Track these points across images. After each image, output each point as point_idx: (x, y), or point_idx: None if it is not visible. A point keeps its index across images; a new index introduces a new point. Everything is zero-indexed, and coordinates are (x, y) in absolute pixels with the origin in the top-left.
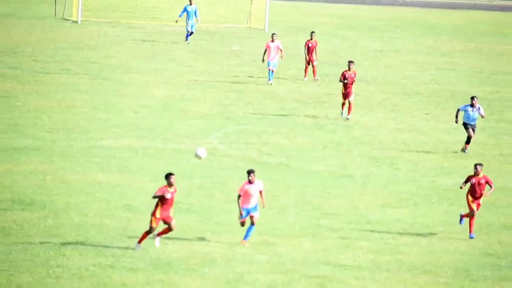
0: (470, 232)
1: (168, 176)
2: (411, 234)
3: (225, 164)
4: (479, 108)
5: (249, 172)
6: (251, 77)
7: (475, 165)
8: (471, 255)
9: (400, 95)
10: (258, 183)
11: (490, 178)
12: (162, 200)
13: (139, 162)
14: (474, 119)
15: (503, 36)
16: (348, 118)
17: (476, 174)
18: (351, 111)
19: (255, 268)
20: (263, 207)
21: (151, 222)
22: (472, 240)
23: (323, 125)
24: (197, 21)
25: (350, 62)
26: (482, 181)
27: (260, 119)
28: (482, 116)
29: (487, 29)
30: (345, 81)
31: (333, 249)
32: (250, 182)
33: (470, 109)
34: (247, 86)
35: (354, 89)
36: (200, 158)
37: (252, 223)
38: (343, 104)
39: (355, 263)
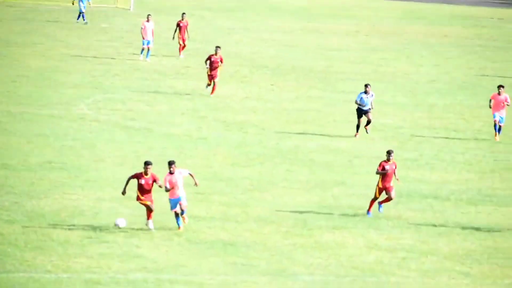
0: (378, 208)
1: (144, 164)
2: (258, 190)
3: (93, 128)
4: (372, 95)
5: (170, 163)
6: (118, 51)
7: (388, 152)
8: (308, 207)
9: (249, 68)
10: (180, 172)
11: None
12: (139, 187)
13: (16, 126)
14: (367, 104)
15: (338, 17)
16: (211, 96)
17: (388, 160)
18: (215, 91)
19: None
20: (196, 186)
21: (144, 204)
22: (308, 194)
23: (182, 94)
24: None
25: (217, 47)
26: (393, 167)
27: (125, 89)
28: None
29: (325, 11)
30: (207, 62)
31: (189, 203)
32: (171, 173)
33: (364, 95)
34: (114, 59)
35: (219, 71)
36: (119, 227)
37: (182, 211)
38: (208, 84)
39: (208, 215)
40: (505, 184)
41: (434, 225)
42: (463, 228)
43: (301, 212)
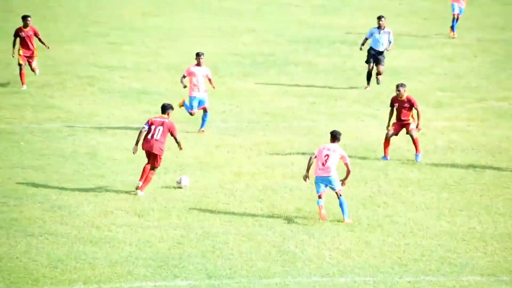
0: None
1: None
2: (170, 39)
3: None
4: (389, 32)
5: (198, 54)
6: None
7: (397, 85)
8: (220, 55)
9: None
10: (205, 69)
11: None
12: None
13: None
14: (381, 44)
15: None
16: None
17: (399, 96)
18: None
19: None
20: (213, 88)
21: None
22: (219, 42)
23: None
24: None
25: None
26: (406, 105)
27: None
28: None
29: None
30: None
31: (100, 52)
32: (198, 64)
33: (376, 32)
34: None
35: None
36: (182, 186)
37: (205, 111)
38: None
39: (120, 64)
40: (409, 27)
41: (343, 70)
42: None
43: (213, 60)
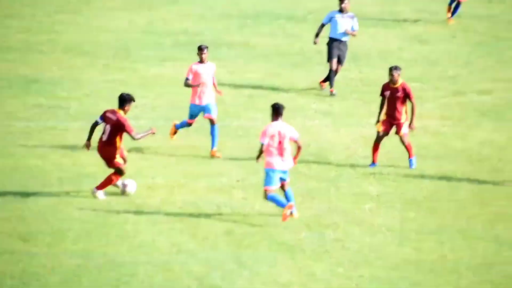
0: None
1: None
2: (68, 12)
3: None
4: (352, 16)
5: (200, 48)
6: None
7: (390, 69)
8: (132, 33)
9: None
10: (211, 66)
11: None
12: None
13: None
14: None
15: None
16: None
17: (392, 82)
18: None
19: None
20: (219, 95)
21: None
22: (132, 15)
23: None
24: None
25: None
26: (400, 94)
27: None
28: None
29: None
30: None
31: None
32: (201, 61)
33: (338, 16)
34: None
35: None
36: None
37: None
38: None
39: (3, 44)
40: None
41: (290, 54)
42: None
43: (122, 39)
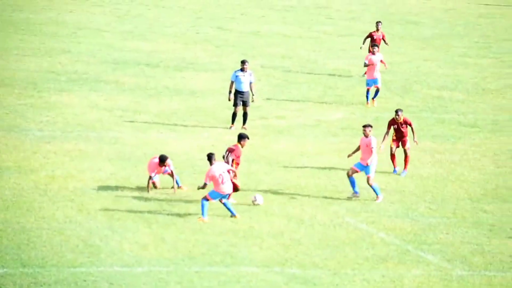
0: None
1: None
2: None
3: None
4: (250, 73)
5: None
6: None
7: (396, 111)
8: (39, 72)
9: None
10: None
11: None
12: None
13: None
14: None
15: None
16: None
17: (397, 119)
18: None
19: None
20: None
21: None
22: (39, 60)
23: None
24: None
25: None
26: (403, 126)
27: None
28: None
29: None
30: None
31: None
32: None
33: (240, 74)
34: None
35: None
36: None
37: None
38: None
39: None
40: (205, 53)
41: (146, 89)
42: (170, 90)
43: (32, 76)
